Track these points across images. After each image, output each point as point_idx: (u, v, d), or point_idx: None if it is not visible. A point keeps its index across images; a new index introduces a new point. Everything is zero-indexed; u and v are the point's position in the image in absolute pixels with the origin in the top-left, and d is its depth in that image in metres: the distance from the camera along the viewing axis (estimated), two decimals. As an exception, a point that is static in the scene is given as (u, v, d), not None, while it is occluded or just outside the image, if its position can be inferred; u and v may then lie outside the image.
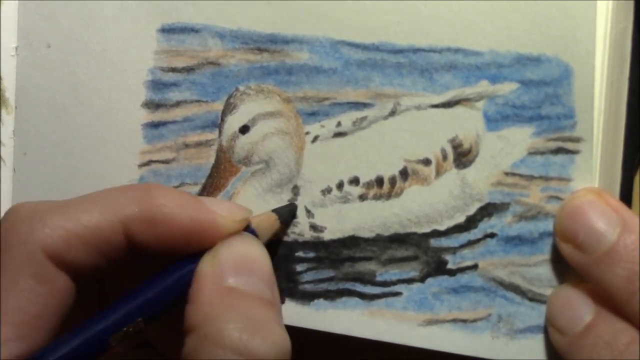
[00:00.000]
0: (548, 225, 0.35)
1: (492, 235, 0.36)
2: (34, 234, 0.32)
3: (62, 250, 0.32)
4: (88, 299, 0.35)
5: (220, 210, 0.34)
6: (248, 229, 0.35)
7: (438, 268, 0.37)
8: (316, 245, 0.38)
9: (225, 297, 0.31)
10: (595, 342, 0.33)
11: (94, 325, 0.31)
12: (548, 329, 0.35)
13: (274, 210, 0.37)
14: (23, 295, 0.31)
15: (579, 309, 0.34)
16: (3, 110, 0.42)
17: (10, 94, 0.42)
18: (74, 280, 0.33)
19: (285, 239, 0.38)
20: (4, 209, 0.42)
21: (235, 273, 0.32)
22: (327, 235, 0.38)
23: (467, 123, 0.36)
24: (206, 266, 0.32)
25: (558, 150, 0.35)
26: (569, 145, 0.35)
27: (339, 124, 0.37)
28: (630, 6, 0.35)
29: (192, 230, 0.33)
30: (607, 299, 0.33)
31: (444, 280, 0.37)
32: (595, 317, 0.33)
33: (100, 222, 0.32)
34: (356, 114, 0.37)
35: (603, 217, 0.33)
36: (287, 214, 0.38)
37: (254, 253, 0.33)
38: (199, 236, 0.33)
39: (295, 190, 0.38)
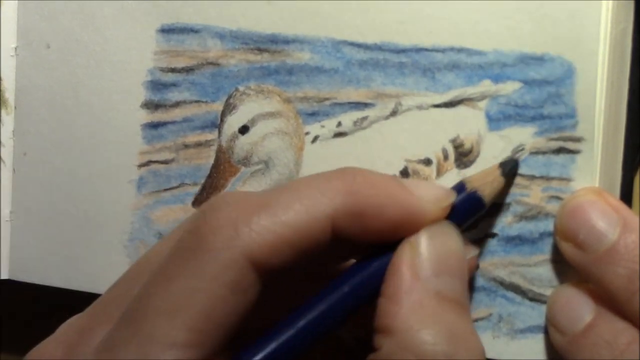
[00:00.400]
0: (548, 225, 0.35)
1: (492, 235, 0.36)
2: (239, 239, 0.29)
3: (268, 256, 0.29)
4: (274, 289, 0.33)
5: (427, 196, 0.31)
6: (471, 194, 0.33)
7: (438, 268, 0.37)
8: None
9: (428, 301, 0.29)
10: (596, 341, 0.33)
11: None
12: (548, 329, 0.35)
13: (499, 165, 0.35)
14: (214, 302, 0.29)
15: (580, 308, 0.34)
16: (3, 111, 0.42)
17: (10, 94, 0.42)
18: (269, 279, 0.30)
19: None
20: (4, 209, 0.42)
21: (437, 271, 0.30)
22: None
23: (469, 123, 0.36)
24: (406, 257, 0.30)
25: (559, 150, 0.35)
26: (570, 145, 0.35)
27: (339, 124, 0.37)
28: (631, 6, 0.35)
29: (398, 220, 0.31)
30: (607, 299, 0.33)
31: (445, 281, 0.37)
32: (596, 317, 0.33)
33: (309, 221, 0.30)
34: (357, 114, 0.37)
35: (604, 217, 0.33)
36: (510, 169, 0.35)
37: (455, 249, 0.31)
38: (406, 225, 0.31)
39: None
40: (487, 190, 0.34)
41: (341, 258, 0.34)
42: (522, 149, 0.35)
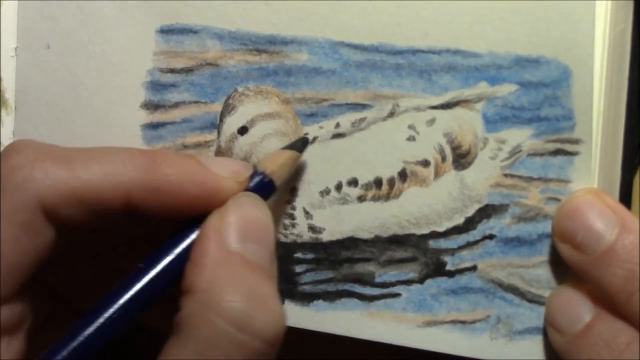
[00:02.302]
0: (547, 227, 0.35)
1: (490, 237, 0.36)
2: (33, 182, 0.31)
3: (57, 205, 0.31)
4: (76, 249, 0.34)
5: (223, 172, 0.33)
6: (263, 180, 0.34)
7: (437, 269, 0.37)
8: (315, 246, 0.38)
9: (230, 264, 0.30)
10: (595, 342, 0.33)
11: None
12: (547, 330, 0.35)
13: (286, 147, 0.36)
14: (6, 242, 0.30)
15: (578, 309, 0.34)
16: (3, 111, 0.42)
17: (10, 95, 0.42)
18: (63, 233, 0.32)
19: (284, 240, 0.38)
20: (4, 210, 0.42)
21: (242, 238, 0.31)
22: (325, 237, 0.38)
23: (466, 124, 0.36)
24: (213, 225, 0.32)
25: (557, 152, 0.35)
26: (568, 147, 0.35)
27: (337, 125, 0.37)
28: (630, 7, 0.35)
29: (196, 196, 0.32)
30: (606, 299, 0.33)
31: (443, 282, 0.37)
32: (595, 317, 0.33)
33: (103, 184, 0.31)
34: (355, 115, 0.37)
35: (601, 218, 0.33)
36: (300, 146, 0.37)
37: (262, 218, 0.32)
38: (204, 201, 0.32)
39: (294, 191, 0.38)
40: (278, 172, 0.35)
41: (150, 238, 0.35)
42: None
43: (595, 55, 0.34)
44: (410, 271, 0.37)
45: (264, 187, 0.34)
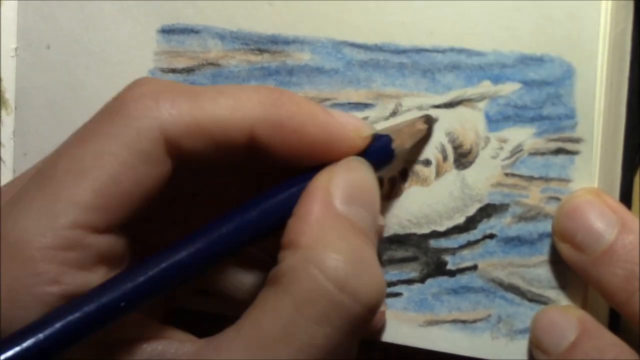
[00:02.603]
0: (548, 226, 0.35)
1: (491, 236, 0.36)
2: (158, 110, 0.30)
3: (182, 137, 0.30)
4: (188, 187, 0.34)
5: (348, 124, 0.32)
6: (382, 141, 0.34)
7: (438, 269, 0.37)
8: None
9: (337, 224, 0.30)
10: (582, 359, 0.33)
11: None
12: (532, 351, 0.35)
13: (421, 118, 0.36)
14: (123, 168, 0.29)
15: (563, 328, 0.34)
16: (3, 111, 0.42)
17: (10, 95, 0.42)
18: (181, 168, 0.31)
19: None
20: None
21: (349, 200, 0.30)
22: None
23: (468, 124, 0.36)
24: (321, 185, 0.31)
25: (558, 151, 0.35)
26: (569, 146, 0.35)
27: (339, 124, 0.37)
28: (630, 7, 0.35)
29: (319, 142, 0.31)
30: (606, 299, 0.33)
31: (444, 281, 0.37)
32: (580, 335, 0.33)
33: (229, 118, 0.30)
34: (357, 115, 0.37)
35: (601, 217, 0.33)
36: (430, 122, 0.36)
37: (370, 185, 0.32)
38: (326, 149, 0.32)
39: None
40: (403, 143, 0.35)
41: (262, 180, 0.35)
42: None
43: (597, 54, 0.34)
44: (411, 271, 0.37)
45: (384, 154, 0.34)
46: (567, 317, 0.34)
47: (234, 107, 0.31)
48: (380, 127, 0.36)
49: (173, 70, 0.39)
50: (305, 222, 0.30)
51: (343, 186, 0.31)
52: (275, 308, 0.28)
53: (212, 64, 0.39)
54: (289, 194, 0.31)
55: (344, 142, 0.32)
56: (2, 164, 0.42)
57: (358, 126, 0.32)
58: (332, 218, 0.30)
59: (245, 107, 0.31)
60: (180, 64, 0.39)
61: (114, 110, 0.30)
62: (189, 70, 0.39)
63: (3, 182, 0.41)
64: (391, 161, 0.34)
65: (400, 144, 0.34)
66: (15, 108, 0.42)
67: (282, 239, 0.30)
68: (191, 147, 0.30)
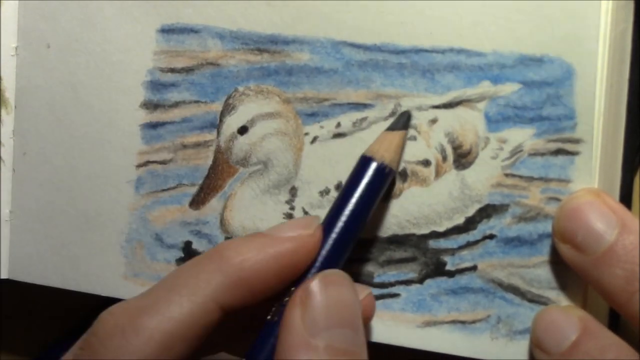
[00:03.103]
0: (547, 227, 0.35)
1: (491, 237, 0.36)
2: (130, 345, 0.30)
3: (162, 354, 0.30)
4: None
5: (291, 233, 0.32)
6: (380, 167, 0.34)
7: (437, 269, 0.37)
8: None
9: (312, 356, 0.29)
10: (583, 359, 0.32)
11: None
12: (533, 351, 0.35)
13: (389, 129, 0.36)
14: None
15: (564, 328, 0.34)
16: (3, 110, 0.42)
17: (10, 94, 0.42)
18: None
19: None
20: (4, 209, 0.42)
21: (328, 325, 0.30)
22: None
23: (468, 124, 0.36)
24: (295, 316, 0.30)
25: (558, 152, 0.35)
26: (569, 147, 0.35)
27: (338, 124, 0.37)
28: (630, 7, 0.35)
29: (278, 268, 0.32)
30: (607, 300, 0.33)
31: (443, 282, 0.37)
32: (581, 335, 0.33)
33: (193, 309, 0.31)
34: (356, 115, 0.37)
35: (602, 218, 0.33)
36: (403, 123, 0.36)
37: (347, 299, 0.31)
38: (286, 267, 0.32)
39: (293, 191, 0.38)
40: (393, 156, 0.34)
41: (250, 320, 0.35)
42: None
43: (597, 55, 0.34)
44: (410, 271, 0.37)
45: (384, 175, 0.34)
46: (568, 317, 0.34)
47: (192, 297, 0.31)
48: (380, 127, 0.37)
49: (172, 70, 0.39)
50: None
51: (318, 311, 0.30)
52: None
53: (211, 63, 0.39)
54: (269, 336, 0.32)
55: (300, 251, 0.32)
56: (2, 163, 0.42)
57: (300, 226, 0.33)
58: (311, 351, 0.29)
59: (200, 288, 0.31)
60: (180, 63, 0.39)
61: (90, 356, 0.31)
62: (188, 70, 0.39)
63: (3, 182, 0.41)
64: (390, 176, 0.35)
65: (389, 157, 0.34)
66: (15, 107, 0.42)
67: None
68: (175, 355, 0.30)
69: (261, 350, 0.31)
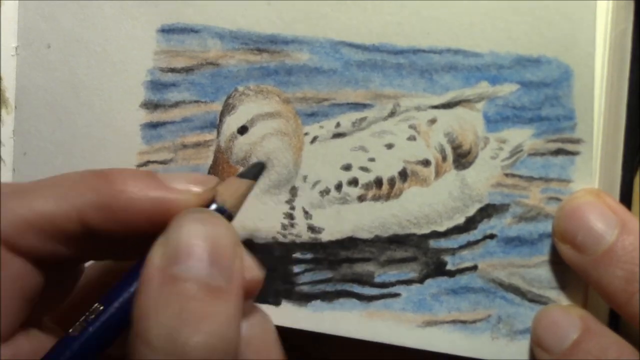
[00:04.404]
0: (548, 227, 0.35)
1: (491, 237, 0.36)
2: None
3: (15, 236, 0.31)
4: (63, 279, 0.34)
5: (180, 185, 0.31)
6: (219, 207, 0.32)
7: (437, 269, 0.37)
8: (314, 246, 0.38)
9: (163, 288, 0.28)
10: (584, 357, 0.32)
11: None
12: (534, 350, 0.35)
13: (240, 175, 0.34)
14: None
15: (566, 327, 0.34)
16: (3, 110, 0.42)
17: (10, 94, 0.42)
18: (36, 263, 0.32)
19: (283, 240, 0.38)
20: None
21: (183, 258, 0.29)
22: (325, 237, 0.38)
23: (467, 124, 0.36)
24: (155, 254, 0.29)
25: (558, 152, 0.35)
26: (569, 147, 0.35)
27: (338, 124, 0.37)
28: (631, 7, 0.35)
29: (151, 212, 0.31)
30: (606, 300, 0.33)
31: (443, 282, 0.37)
32: (582, 334, 0.33)
33: (54, 209, 0.31)
34: (355, 115, 0.37)
35: (602, 218, 0.33)
36: (256, 173, 0.34)
37: (210, 232, 0.29)
38: (162, 216, 0.31)
39: (293, 191, 0.38)
40: (233, 201, 0.33)
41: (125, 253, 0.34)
42: None
43: (596, 56, 0.34)
44: (410, 271, 0.37)
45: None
46: (569, 316, 0.34)
47: (59, 198, 0.31)
48: (379, 127, 0.37)
49: (172, 70, 0.39)
50: (138, 293, 0.29)
51: (175, 246, 0.29)
52: None
53: (211, 63, 0.39)
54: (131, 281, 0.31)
55: (177, 205, 0.31)
56: (2, 163, 0.42)
57: (191, 182, 0.32)
58: (161, 284, 0.28)
59: (71, 196, 0.31)
60: (180, 63, 0.39)
61: None
62: (188, 70, 0.39)
63: (3, 182, 0.41)
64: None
65: (236, 205, 0.33)
66: (16, 107, 0.42)
67: None
68: (28, 244, 0.31)
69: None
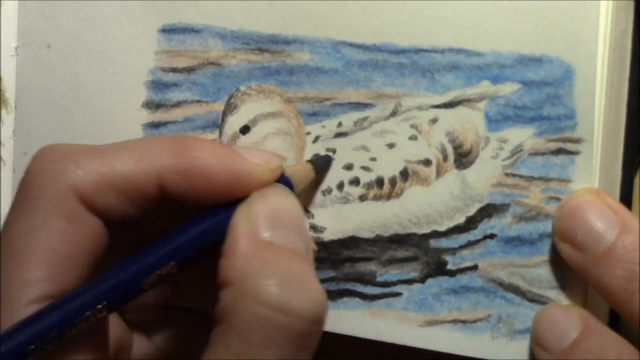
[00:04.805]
0: (548, 226, 0.35)
1: (492, 236, 0.36)
2: (65, 174, 0.31)
3: (93, 193, 0.31)
4: (123, 246, 0.34)
5: (255, 159, 0.33)
6: (282, 178, 0.34)
7: (438, 269, 0.37)
8: (316, 245, 0.38)
9: (262, 252, 0.31)
10: (584, 357, 0.33)
11: (126, 268, 0.31)
12: (534, 349, 0.35)
13: (309, 161, 0.37)
14: (54, 235, 0.31)
15: (566, 326, 0.34)
16: (3, 110, 0.42)
17: (10, 94, 0.42)
18: (107, 224, 0.32)
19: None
20: (4, 210, 0.42)
21: (270, 226, 0.31)
22: (327, 236, 0.38)
23: (468, 124, 0.36)
24: (241, 218, 0.32)
25: (558, 151, 0.35)
26: (569, 146, 0.35)
27: (340, 124, 0.37)
28: (631, 7, 0.35)
29: (227, 181, 0.32)
30: (606, 300, 0.33)
31: (444, 281, 0.37)
32: (582, 333, 0.33)
33: (135, 170, 0.32)
34: (357, 115, 0.37)
35: (602, 217, 0.33)
36: (322, 165, 0.37)
37: (289, 205, 0.33)
38: (235, 186, 0.33)
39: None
40: (299, 180, 0.35)
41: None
42: None
43: (597, 55, 0.34)
44: (412, 270, 0.37)
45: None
46: (569, 315, 0.34)
47: (138, 160, 0.32)
48: (380, 127, 0.37)
49: (174, 70, 0.39)
50: (232, 257, 0.31)
51: (262, 213, 0.32)
52: (225, 344, 0.30)
53: (212, 63, 0.39)
54: (210, 225, 0.33)
55: (253, 177, 0.33)
56: (2, 163, 0.42)
57: (265, 159, 0.34)
58: (256, 247, 0.31)
59: (150, 158, 0.32)
60: (181, 63, 0.39)
61: (27, 184, 0.32)
62: (189, 70, 0.39)
63: (3, 182, 0.41)
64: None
65: (298, 182, 0.35)
66: (16, 107, 0.42)
67: (217, 279, 0.31)
68: (106, 203, 0.32)
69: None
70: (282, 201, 0.33)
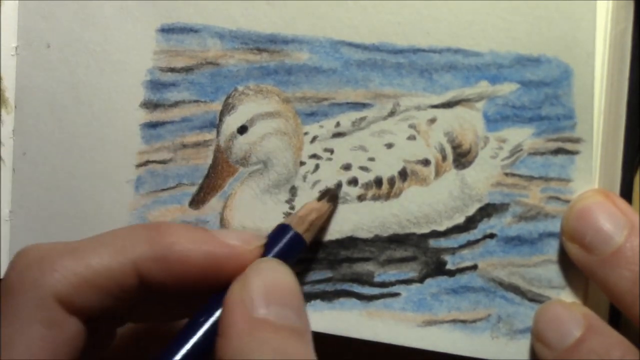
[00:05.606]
0: (548, 226, 0.35)
1: (491, 236, 0.36)
2: (43, 279, 0.31)
3: (72, 295, 0.31)
4: (105, 334, 0.35)
5: (232, 241, 0.33)
6: (293, 234, 0.35)
7: (437, 269, 0.37)
8: (314, 245, 0.38)
9: (256, 331, 0.30)
10: (587, 356, 0.32)
11: None
12: (534, 345, 0.35)
13: (321, 196, 0.37)
14: (33, 342, 0.31)
15: (569, 324, 0.33)
16: (3, 110, 0.42)
17: (10, 94, 0.42)
18: (86, 322, 0.32)
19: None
20: (4, 209, 0.42)
21: (266, 303, 0.31)
22: (324, 236, 0.38)
23: (466, 124, 0.36)
24: (235, 296, 0.31)
25: (558, 151, 0.35)
26: (569, 146, 0.34)
27: (338, 124, 0.37)
28: (630, 7, 0.35)
29: (205, 265, 0.32)
30: (613, 301, 0.33)
31: (443, 281, 0.37)
32: (586, 332, 0.33)
33: (111, 264, 0.32)
34: (355, 114, 0.37)
35: (611, 219, 0.33)
36: (333, 195, 0.37)
37: (285, 280, 0.32)
38: (214, 270, 0.33)
39: (293, 191, 0.38)
40: (309, 230, 0.36)
41: (175, 312, 0.36)
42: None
43: (596, 55, 0.34)
44: (410, 270, 0.37)
45: (295, 245, 0.35)
46: (572, 313, 0.34)
47: (114, 253, 0.32)
48: (379, 127, 0.37)
49: (172, 70, 0.39)
50: (227, 337, 0.30)
51: (257, 290, 0.31)
52: None
53: (211, 63, 0.39)
54: (208, 316, 0.32)
55: (234, 259, 0.33)
56: (2, 163, 0.42)
57: (245, 240, 0.34)
58: (251, 325, 0.30)
59: (125, 250, 0.32)
60: (180, 63, 0.39)
61: (6, 291, 0.32)
62: (188, 70, 0.39)
63: (3, 182, 0.42)
64: (303, 247, 0.35)
65: (307, 228, 0.35)
66: (15, 107, 0.42)
67: (214, 357, 0.31)
68: (86, 302, 0.32)
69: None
70: (278, 276, 0.32)
